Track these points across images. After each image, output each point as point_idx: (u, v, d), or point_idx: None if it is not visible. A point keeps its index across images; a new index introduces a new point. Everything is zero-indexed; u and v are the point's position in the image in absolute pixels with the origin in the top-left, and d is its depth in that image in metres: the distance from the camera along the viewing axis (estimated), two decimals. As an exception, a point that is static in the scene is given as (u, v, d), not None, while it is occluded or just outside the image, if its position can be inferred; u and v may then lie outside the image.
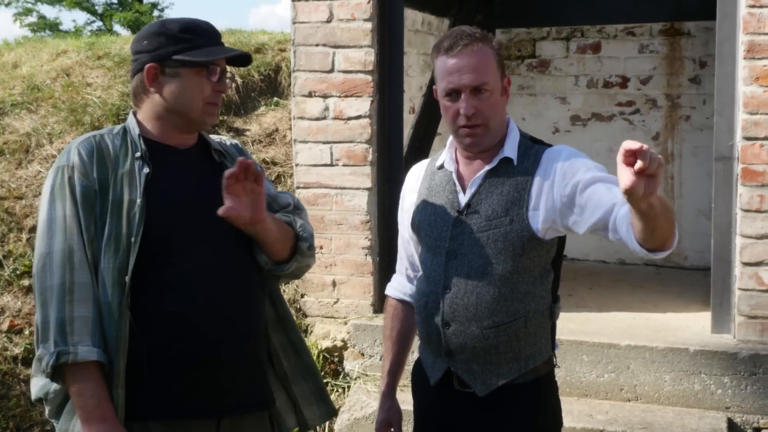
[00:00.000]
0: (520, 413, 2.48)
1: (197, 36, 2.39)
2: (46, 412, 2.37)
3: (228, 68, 2.47)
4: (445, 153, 2.62)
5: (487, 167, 2.49)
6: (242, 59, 2.51)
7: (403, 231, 2.73)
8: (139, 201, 2.30)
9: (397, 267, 2.82)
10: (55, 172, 2.32)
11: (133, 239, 2.28)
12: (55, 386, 2.29)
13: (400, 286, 2.81)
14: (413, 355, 2.62)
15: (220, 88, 2.43)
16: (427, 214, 2.58)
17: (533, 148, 2.50)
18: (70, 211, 2.27)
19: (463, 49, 2.43)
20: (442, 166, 2.61)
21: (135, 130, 2.40)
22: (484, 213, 2.46)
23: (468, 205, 2.50)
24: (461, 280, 2.47)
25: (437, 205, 2.56)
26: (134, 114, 2.45)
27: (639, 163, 1.85)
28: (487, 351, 2.46)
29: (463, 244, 2.48)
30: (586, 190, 2.31)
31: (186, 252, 2.34)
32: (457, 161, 2.58)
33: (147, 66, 2.37)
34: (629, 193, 1.90)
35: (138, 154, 2.36)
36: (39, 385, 2.34)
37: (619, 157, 1.88)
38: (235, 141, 2.69)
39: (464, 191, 2.52)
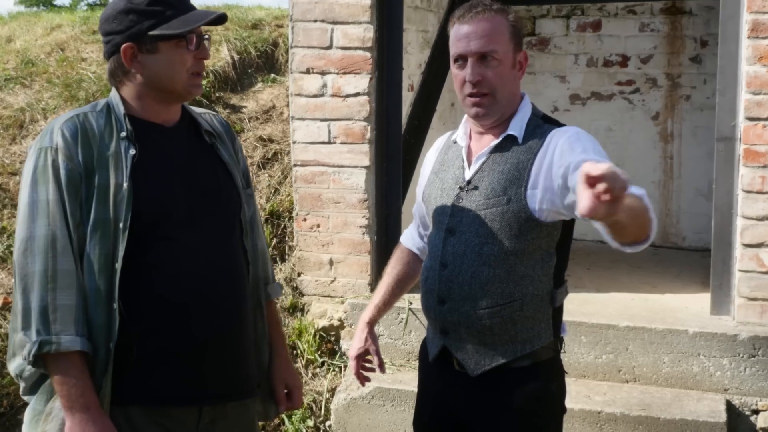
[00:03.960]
0: (514, 397, 2.44)
1: (167, 6, 2.29)
2: (21, 389, 2.33)
3: (204, 31, 2.38)
4: (460, 128, 2.59)
5: (492, 144, 2.45)
6: (219, 19, 2.40)
7: (419, 195, 2.74)
8: (126, 185, 2.22)
9: (413, 221, 2.87)
10: (37, 153, 2.22)
11: (121, 225, 2.21)
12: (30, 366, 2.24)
13: (411, 237, 2.86)
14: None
15: (202, 55, 2.35)
16: (435, 189, 2.57)
17: (542, 127, 2.44)
18: (54, 195, 2.19)
19: (475, 16, 2.41)
20: (456, 141, 2.59)
21: (120, 109, 2.31)
22: (483, 190, 2.42)
23: (469, 181, 2.46)
24: (458, 258, 2.44)
25: (445, 179, 2.55)
26: (117, 89, 2.37)
27: (600, 187, 1.68)
28: (480, 332, 2.43)
29: (462, 222, 2.45)
30: (577, 171, 2.19)
31: (173, 236, 2.28)
32: (469, 136, 2.55)
33: (123, 47, 2.27)
34: (589, 217, 1.75)
35: (123, 134, 2.28)
36: (15, 363, 2.28)
37: (579, 178, 1.73)
38: (221, 117, 2.61)
39: (470, 167, 2.49)
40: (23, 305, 2.18)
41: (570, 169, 2.23)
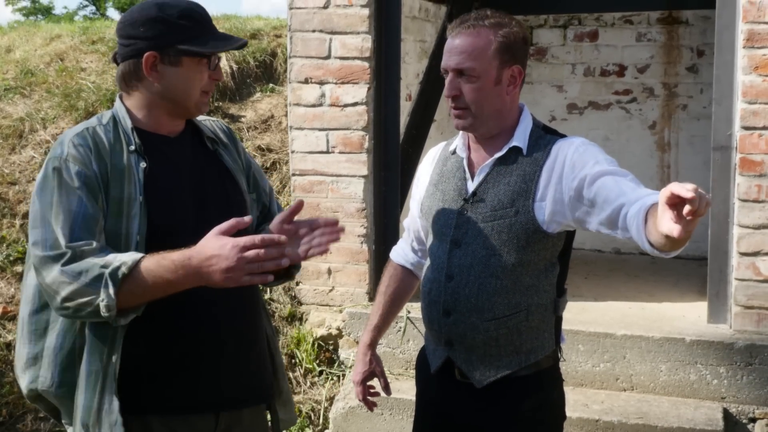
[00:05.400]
0: (519, 406, 2.46)
1: (196, 23, 2.31)
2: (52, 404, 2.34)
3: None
4: (459, 139, 2.59)
5: (496, 155, 2.45)
6: (242, 45, 2.44)
7: (414, 208, 2.73)
8: (140, 198, 2.23)
9: (404, 236, 2.84)
10: (49, 164, 2.20)
11: (138, 238, 2.21)
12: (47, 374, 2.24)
13: (403, 253, 2.82)
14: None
15: (217, 77, 2.38)
16: (435, 200, 2.56)
17: (545, 138, 2.45)
18: (65, 199, 2.16)
19: (462, 30, 2.41)
20: (454, 152, 2.58)
21: (127, 122, 2.31)
22: (489, 202, 2.43)
23: (474, 193, 2.46)
24: (464, 270, 2.44)
25: (446, 191, 2.54)
26: (122, 99, 2.36)
27: (687, 208, 1.69)
28: (486, 343, 2.43)
29: (467, 233, 2.45)
30: (594, 184, 2.24)
31: (185, 245, 2.23)
32: (468, 147, 2.54)
33: (147, 54, 2.27)
34: (669, 238, 1.77)
35: (132, 147, 2.28)
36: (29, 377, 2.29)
37: (663, 197, 1.75)
38: (222, 123, 2.63)
39: (473, 179, 2.49)
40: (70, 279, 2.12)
41: (586, 182, 2.26)
